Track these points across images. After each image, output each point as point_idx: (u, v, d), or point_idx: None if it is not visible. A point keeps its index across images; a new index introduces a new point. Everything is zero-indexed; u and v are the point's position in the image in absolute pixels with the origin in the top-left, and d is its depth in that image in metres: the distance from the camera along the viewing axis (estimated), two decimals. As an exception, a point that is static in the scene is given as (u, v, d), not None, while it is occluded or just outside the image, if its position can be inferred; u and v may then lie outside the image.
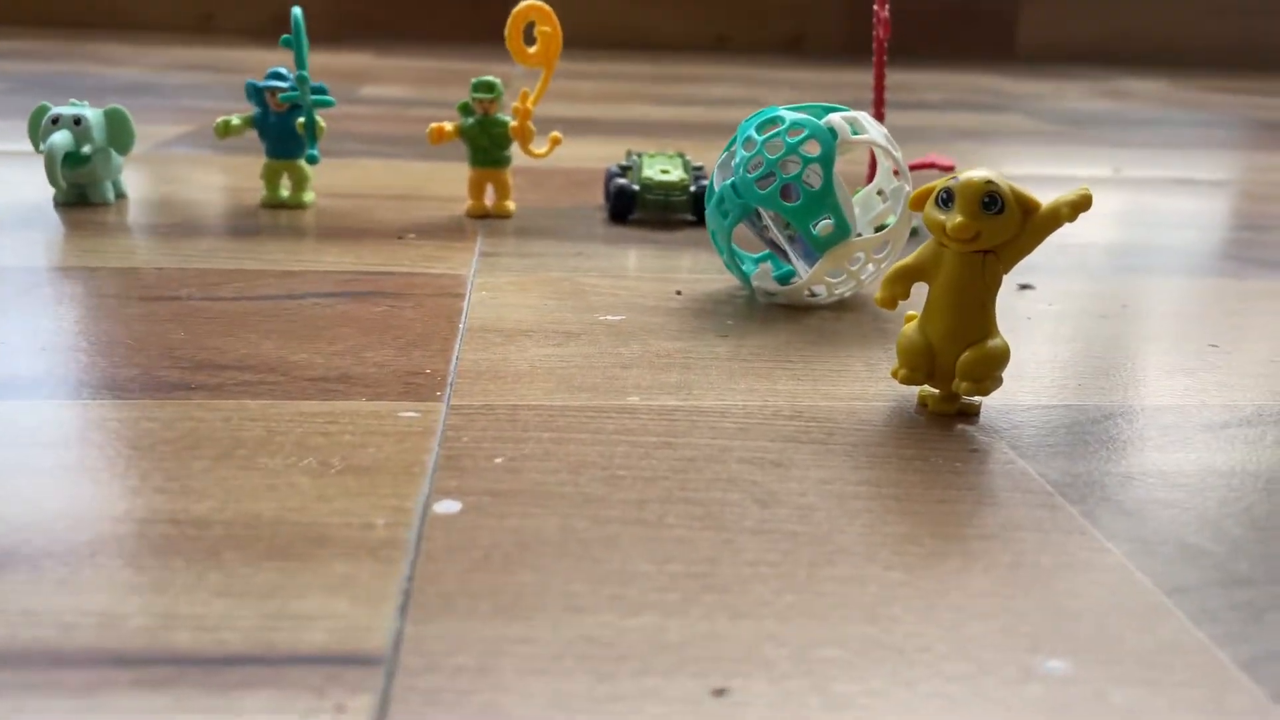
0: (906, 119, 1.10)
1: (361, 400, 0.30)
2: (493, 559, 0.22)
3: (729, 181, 0.37)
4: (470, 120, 0.51)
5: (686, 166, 0.54)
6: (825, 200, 0.36)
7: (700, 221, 0.53)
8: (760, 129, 0.37)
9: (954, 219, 0.27)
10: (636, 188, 0.52)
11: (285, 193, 0.53)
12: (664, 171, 0.52)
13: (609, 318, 0.38)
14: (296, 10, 0.49)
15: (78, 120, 0.49)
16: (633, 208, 0.52)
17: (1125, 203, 0.67)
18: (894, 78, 1.59)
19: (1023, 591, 0.21)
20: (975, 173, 0.28)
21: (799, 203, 0.36)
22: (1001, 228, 0.27)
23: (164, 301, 0.37)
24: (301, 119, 0.50)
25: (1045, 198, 0.28)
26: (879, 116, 0.51)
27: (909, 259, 0.29)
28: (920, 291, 0.30)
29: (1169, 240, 0.56)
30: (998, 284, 0.29)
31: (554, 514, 0.24)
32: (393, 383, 0.31)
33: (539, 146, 0.52)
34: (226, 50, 1.59)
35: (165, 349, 0.33)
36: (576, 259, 0.46)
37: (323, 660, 0.18)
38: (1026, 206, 0.28)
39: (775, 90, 1.34)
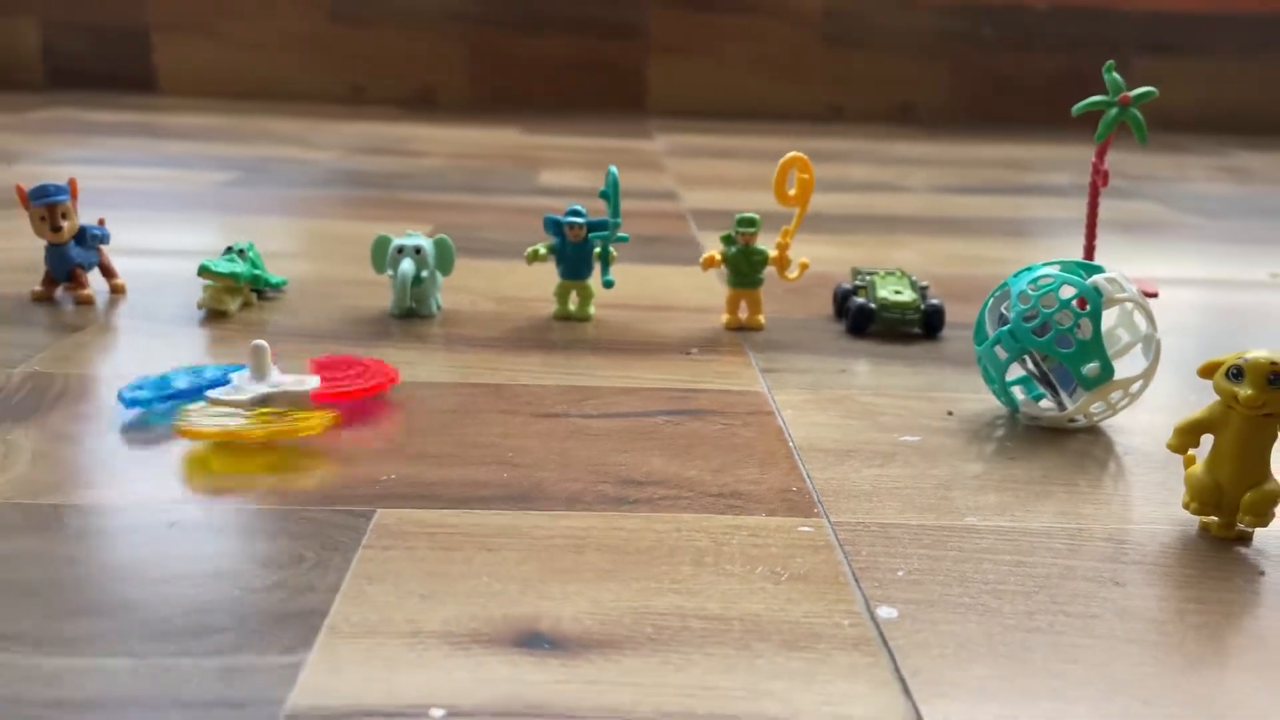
0: (1044, 208, 1.16)
1: (761, 515, 0.38)
2: (947, 656, 0.30)
3: (1006, 328, 0.46)
4: (734, 249, 0.60)
5: (914, 285, 0.63)
6: (1093, 348, 0.44)
7: (926, 336, 0.61)
8: (1033, 284, 0.46)
9: (1245, 391, 0.35)
10: (873, 306, 0.61)
11: (573, 307, 0.63)
12: (897, 292, 0.61)
13: (907, 438, 0.46)
14: (613, 169, 0.59)
15: (418, 250, 0.60)
16: (870, 324, 0.61)
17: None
18: (1005, 152, 1.67)
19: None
20: (1260, 354, 0.35)
21: (1073, 350, 0.44)
22: (1282, 399, 0.35)
23: (554, 419, 0.47)
24: (597, 249, 0.60)
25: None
26: (1089, 252, 0.59)
27: (1199, 414, 0.37)
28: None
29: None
30: (1275, 439, 0.36)
31: (970, 621, 0.32)
32: (775, 499, 0.39)
33: (791, 272, 0.61)
34: (382, 125, 1.74)
35: (586, 465, 0.42)
36: (845, 376, 0.54)
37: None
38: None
39: (900, 168, 1.41)
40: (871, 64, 2.22)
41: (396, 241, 0.60)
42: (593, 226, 0.61)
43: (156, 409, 0.44)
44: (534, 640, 0.30)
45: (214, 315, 0.60)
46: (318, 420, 0.43)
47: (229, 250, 0.63)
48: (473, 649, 0.29)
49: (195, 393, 0.45)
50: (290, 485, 0.39)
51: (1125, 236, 1.01)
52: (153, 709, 0.26)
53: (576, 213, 0.61)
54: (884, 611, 0.32)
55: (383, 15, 2.15)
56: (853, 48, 2.20)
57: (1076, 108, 0.59)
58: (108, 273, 0.63)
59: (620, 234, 0.61)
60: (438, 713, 0.26)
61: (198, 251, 0.71)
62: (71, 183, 0.61)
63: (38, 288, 0.61)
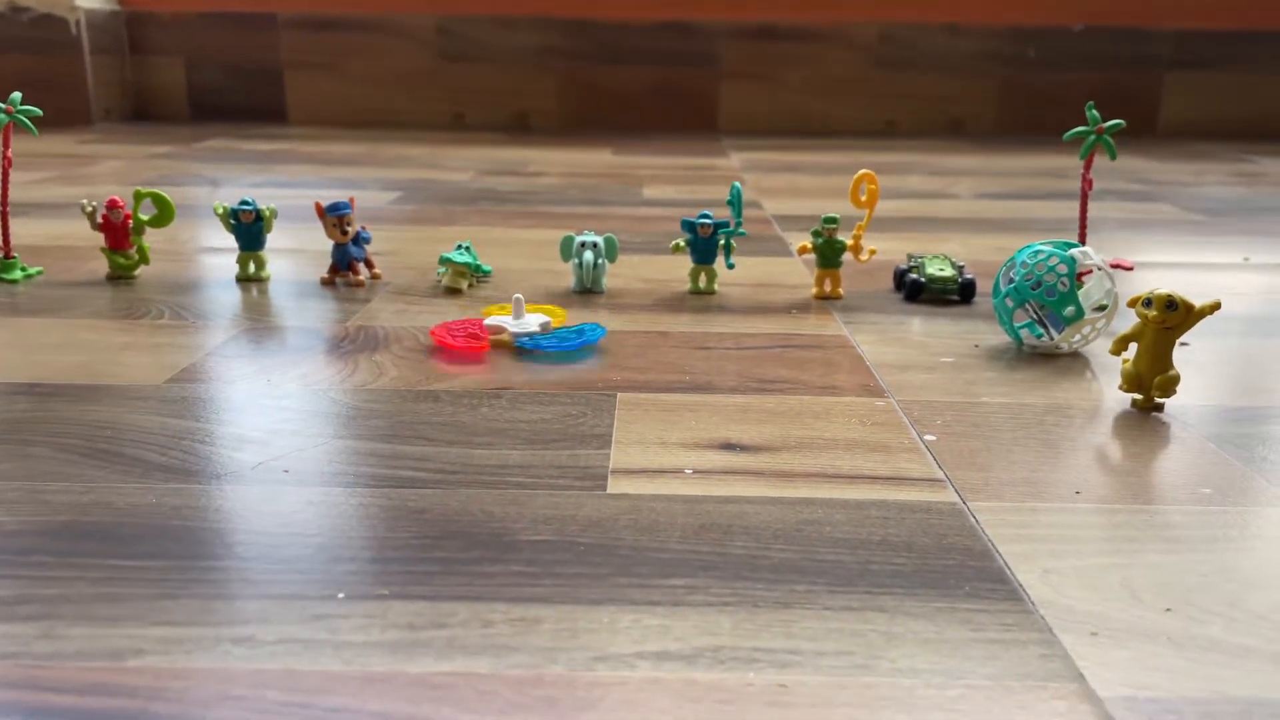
0: (1069, 210, 1.36)
1: (851, 397, 0.61)
2: (963, 455, 0.52)
3: (1012, 285, 0.68)
4: (820, 240, 0.83)
5: (954, 265, 0.85)
6: (1071, 298, 0.66)
7: (962, 302, 0.83)
8: (1031, 256, 0.68)
9: (1152, 313, 0.57)
10: (923, 280, 0.83)
11: (701, 284, 0.86)
12: (941, 270, 0.83)
13: (945, 359, 0.68)
14: (737, 184, 0.83)
15: (595, 244, 0.83)
16: (920, 294, 0.83)
17: (1253, 285, 0.93)
18: (1043, 162, 1.87)
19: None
20: (1162, 290, 0.57)
21: (1055, 299, 0.66)
22: (1176, 318, 0.57)
23: (707, 350, 0.70)
24: (722, 242, 0.83)
25: (1182, 279, 0.57)
26: (1082, 238, 0.81)
27: (1127, 330, 0.59)
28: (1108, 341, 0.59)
29: (1283, 313, 0.83)
30: (1173, 344, 0.58)
31: (977, 440, 0.54)
32: (858, 390, 0.62)
33: (863, 256, 0.83)
34: (491, 149, 2.00)
35: (735, 372, 0.65)
36: (903, 326, 0.77)
37: None
38: (1189, 307, 0.57)
39: (948, 178, 1.63)
40: (923, 84, 2.43)
41: (579, 238, 0.84)
42: (718, 226, 0.84)
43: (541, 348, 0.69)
44: (729, 446, 0.53)
45: (451, 292, 0.84)
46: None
47: (459, 246, 0.88)
48: (696, 449, 0.53)
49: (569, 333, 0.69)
50: (557, 384, 0.63)
51: (1133, 230, 1.21)
52: (545, 479, 0.50)
53: (705, 216, 0.84)
54: (927, 437, 0.54)
55: (483, 51, 2.42)
56: (906, 69, 2.42)
57: (1066, 135, 0.80)
58: (369, 265, 0.88)
59: (740, 231, 0.84)
60: (689, 471, 0.49)
61: (412, 250, 0.96)
62: (351, 200, 0.86)
63: (325, 275, 0.87)
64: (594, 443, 0.54)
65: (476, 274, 0.88)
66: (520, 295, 0.71)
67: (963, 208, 1.39)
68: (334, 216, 0.85)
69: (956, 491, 0.48)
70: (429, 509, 0.46)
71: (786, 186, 1.57)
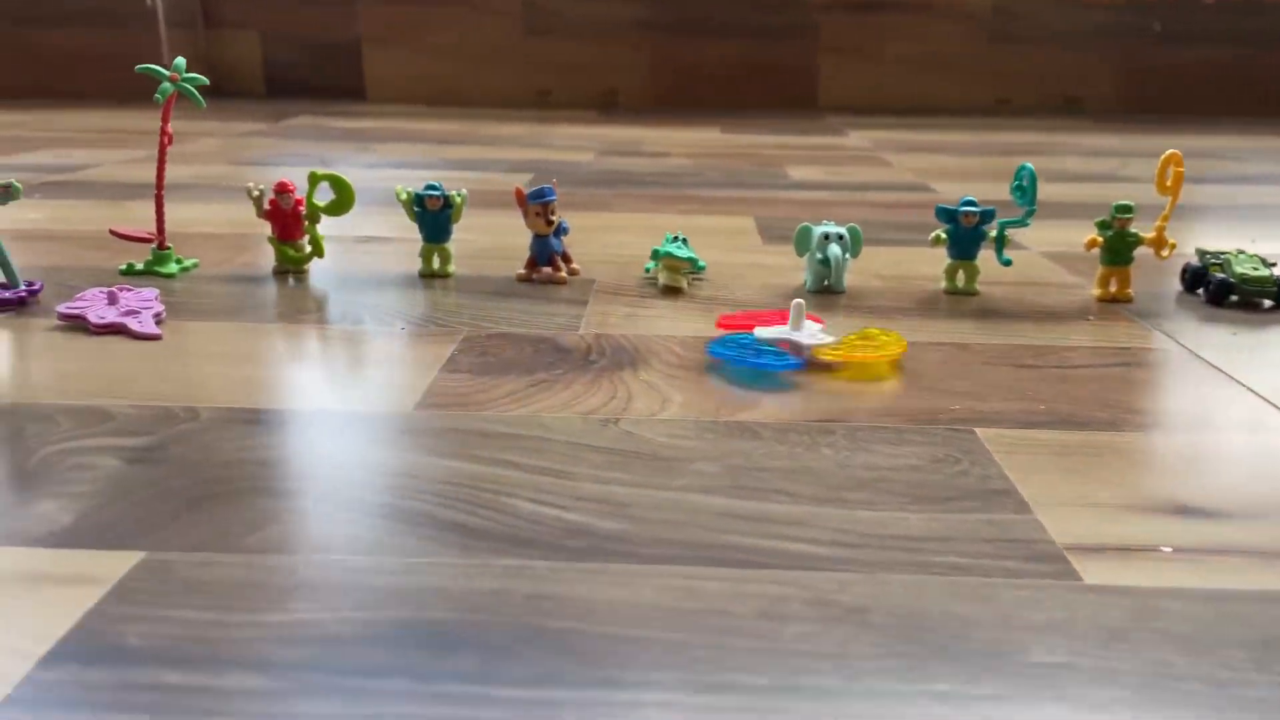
0: (1249, 196, 1.23)
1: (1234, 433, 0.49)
2: None
3: None
4: (1110, 232, 0.71)
5: (1265, 264, 0.72)
6: None
7: (1277, 306, 0.71)
8: None
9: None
10: (1232, 280, 0.71)
11: (960, 283, 0.74)
12: (1255, 269, 0.71)
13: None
14: (1029, 165, 0.71)
15: (840, 236, 0.72)
16: (1227, 296, 0.71)
17: None
18: (1191, 142, 1.73)
19: None
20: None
21: None
22: None
23: (1029, 369, 0.58)
24: (992, 233, 0.72)
25: None
26: None
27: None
28: None
29: None
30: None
31: None
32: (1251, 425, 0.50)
33: (1165, 251, 0.71)
34: (590, 127, 1.88)
35: (1095, 399, 0.53)
36: (1233, 337, 0.65)
37: None
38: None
39: (1111, 159, 1.49)
40: (1038, 59, 2.28)
41: (818, 228, 0.73)
42: (984, 214, 0.72)
43: (743, 361, 0.57)
44: (1185, 510, 0.41)
45: (670, 291, 0.73)
46: (898, 346, 0.57)
47: (671, 238, 0.76)
48: (1146, 514, 0.41)
49: (769, 352, 0.58)
50: (886, 413, 0.51)
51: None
52: (983, 559, 0.38)
53: (970, 202, 0.72)
54: None
55: (570, 26, 2.30)
56: (1019, 43, 2.27)
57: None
58: (567, 259, 0.77)
59: (1026, 221, 0.72)
60: (1166, 549, 0.38)
61: (589, 240, 0.86)
62: (554, 184, 0.75)
63: (522, 271, 0.76)
64: (1005, 503, 0.42)
65: (695, 270, 0.77)
66: (801, 301, 0.59)
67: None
68: (537, 204, 0.74)
69: None
70: (867, 606, 0.34)
71: (937, 168, 1.44)
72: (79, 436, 0.47)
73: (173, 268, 0.75)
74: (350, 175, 0.75)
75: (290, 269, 0.75)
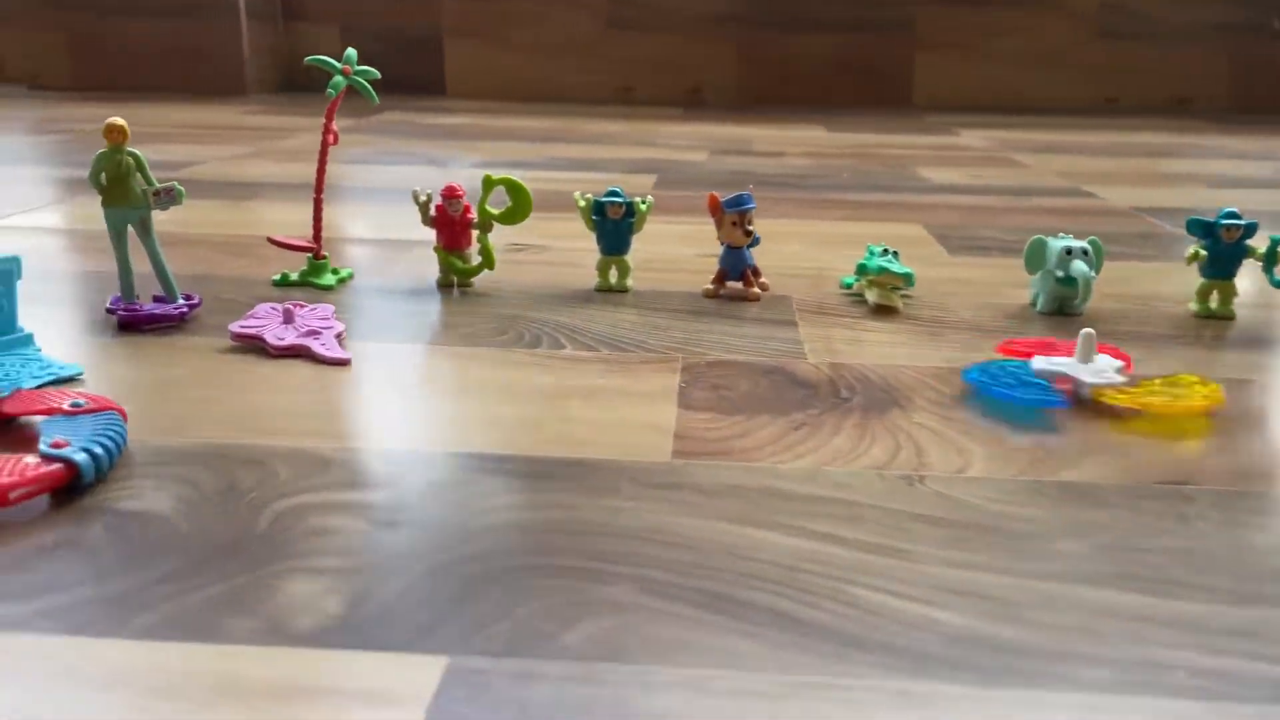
0: None
1: None
2: None
3: None
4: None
5: None
6: None
7: None
8: None
9: None
10: None
11: (1214, 305, 0.66)
12: None
13: None
14: None
15: (1085, 251, 0.64)
16: None
17: None
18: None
19: None
20: None
21: None
22: None
23: None
24: (1261, 252, 0.63)
25: None
26: None
27: None
28: None
29: None
30: None
31: None
32: None
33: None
34: (681, 125, 1.80)
35: None
36: None
37: None
38: None
39: (1235, 161, 1.39)
40: (1147, 56, 2.17)
41: (1060, 243, 0.64)
42: (1247, 228, 0.64)
43: (1001, 392, 0.50)
44: None
45: (883, 310, 0.65)
46: (1209, 399, 0.48)
47: (875, 251, 0.69)
48: None
49: (1035, 385, 0.50)
50: (1240, 466, 0.43)
51: None
52: None
53: (1231, 215, 0.64)
54: None
55: (656, 19, 2.22)
56: (1130, 40, 2.17)
57: None
58: (756, 273, 0.69)
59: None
60: None
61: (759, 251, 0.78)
62: (750, 190, 0.67)
63: (710, 285, 0.68)
64: None
65: (908, 287, 0.69)
66: (1091, 331, 0.51)
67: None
68: (734, 213, 0.66)
69: None
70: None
71: (1079, 170, 1.34)
72: (302, 489, 0.40)
73: (329, 279, 0.68)
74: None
75: (456, 282, 0.69)
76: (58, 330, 0.58)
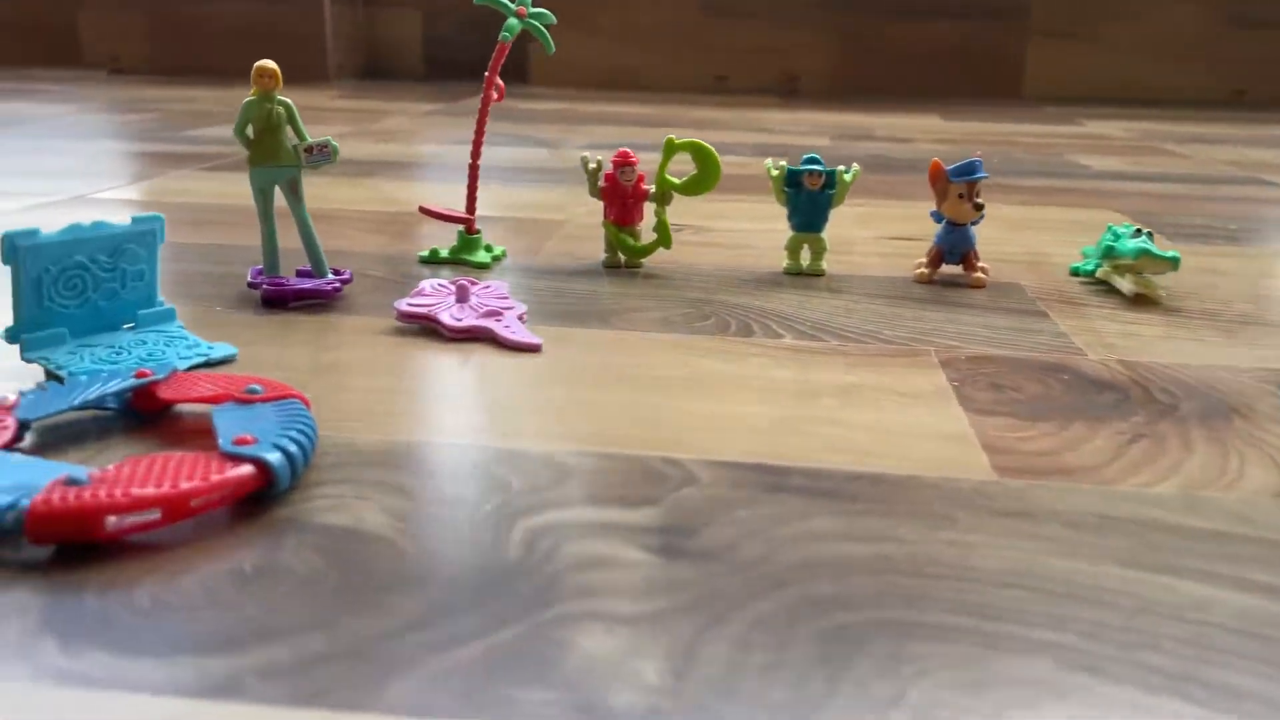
0: None
1: None
2: None
3: None
4: None
5: None
6: None
7: None
8: None
9: None
10: None
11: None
12: None
13: None
14: None
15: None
16: None
17: None
18: None
19: None
20: None
21: None
22: None
23: None
24: None
25: None
26: None
27: None
28: None
29: None
30: None
31: None
32: None
33: None
34: (778, 113, 1.70)
35: None
36: None
37: None
38: None
39: None
40: (1278, 45, 2.03)
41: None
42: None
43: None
44: None
45: (1141, 299, 0.55)
46: None
47: (1115, 230, 0.59)
48: None
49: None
50: None
51: None
52: None
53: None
54: None
55: (749, 5, 2.13)
56: (1263, 28, 2.02)
57: None
58: (975, 256, 0.60)
59: None
60: None
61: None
62: (979, 157, 0.58)
63: (923, 268, 0.59)
64: None
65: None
66: None
67: None
68: (962, 183, 0.57)
69: None
70: None
71: (1246, 160, 1.21)
72: (548, 504, 0.31)
73: (483, 256, 0.60)
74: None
75: (627, 262, 0.60)
76: (187, 306, 0.51)
